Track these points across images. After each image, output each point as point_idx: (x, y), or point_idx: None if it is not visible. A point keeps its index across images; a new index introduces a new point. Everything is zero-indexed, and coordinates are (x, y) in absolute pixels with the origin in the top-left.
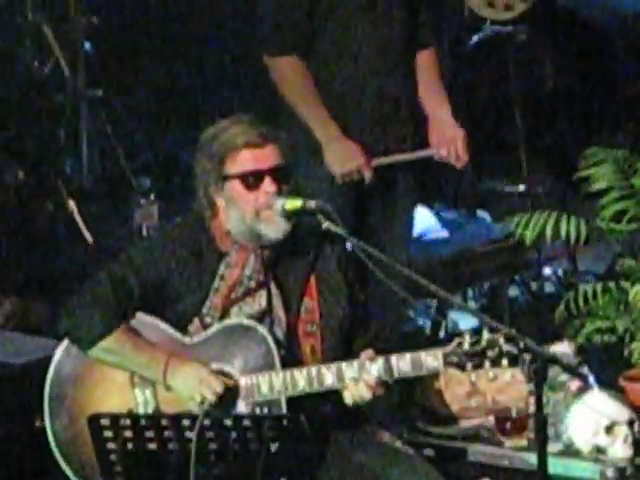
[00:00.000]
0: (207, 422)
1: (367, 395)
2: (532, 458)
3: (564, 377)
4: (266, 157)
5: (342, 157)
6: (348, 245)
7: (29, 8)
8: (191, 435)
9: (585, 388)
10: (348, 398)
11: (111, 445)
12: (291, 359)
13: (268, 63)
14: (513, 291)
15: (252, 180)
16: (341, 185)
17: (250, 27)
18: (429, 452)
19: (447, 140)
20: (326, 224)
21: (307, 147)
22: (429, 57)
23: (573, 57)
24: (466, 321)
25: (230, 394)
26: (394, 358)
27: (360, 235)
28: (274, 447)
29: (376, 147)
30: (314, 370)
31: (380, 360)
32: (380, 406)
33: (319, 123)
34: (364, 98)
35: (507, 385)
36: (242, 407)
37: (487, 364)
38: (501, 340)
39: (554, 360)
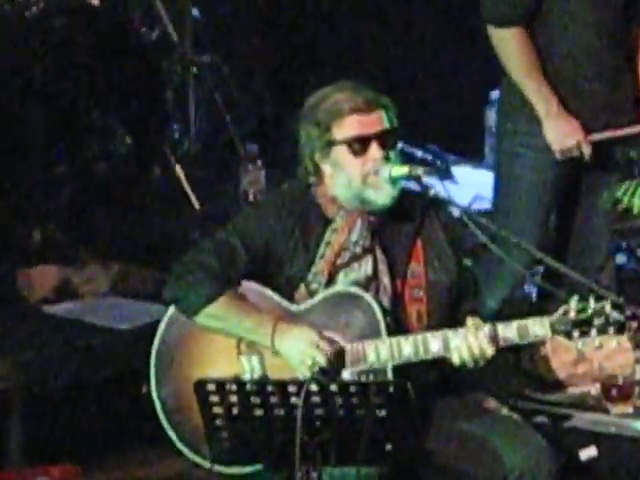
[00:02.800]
0: (313, 388)
1: (473, 361)
2: (639, 425)
3: None
4: (372, 122)
5: (562, 133)
6: (455, 211)
7: None
8: (297, 401)
9: None
10: (456, 359)
11: (217, 410)
12: (397, 325)
13: (491, 33)
14: (620, 258)
15: (359, 146)
16: (556, 158)
17: None
18: (539, 419)
19: None
20: (433, 190)
21: (528, 116)
22: None
23: None
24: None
25: (337, 361)
26: (501, 326)
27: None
28: (380, 414)
29: (595, 123)
30: (420, 337)
31: (486, 328)
32: (487, 373)
33: (541, 97)
34: (583, 74)
35: (614, 353)
36: (347, 375)
37: (594, 332)
38: (607, 307)
39: None
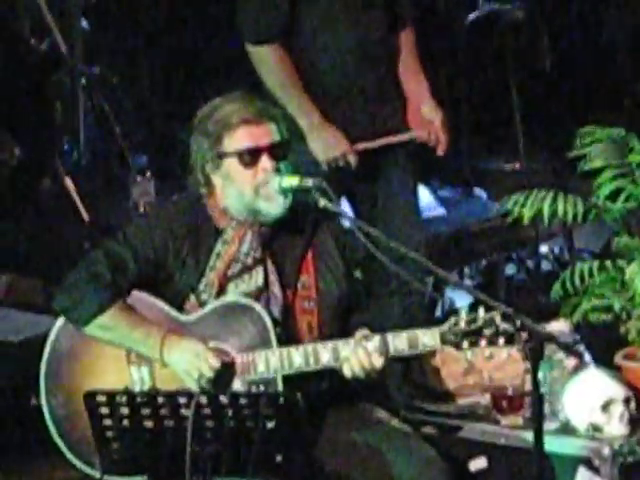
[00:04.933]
0: (203, 400)
1: (363, 373)
2: (529, 436)
3: (560, 355)
4: (263, 134)
5: (326, 145)
6: (346, 223)
7: None
8: (187, 413)
9: (581, 366)
10: (347, 371)
11: (107, 422)
12: (287, 336)
13: (249, 51)
14: (509, 269)
15: (249, 157)
16: (330, 172)
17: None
18: (428, 430)
19: (425, 122)
20: (323, 202)
21: (294, 133)
22: (406, 37)
23: (569, 36)
24: (463, 299)
25: (227, 372)
26: (390, 336)
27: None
28: (270, 425)
29: (362, 131)
30: (310, 348)
31: (376, 338)
32: (376, 384)
33: (302, 111)
34: (346, 89)
35: (504, 363)
36: (238, 385)
37: (483, 342)
38: (498, 318)
39: (550, 338)
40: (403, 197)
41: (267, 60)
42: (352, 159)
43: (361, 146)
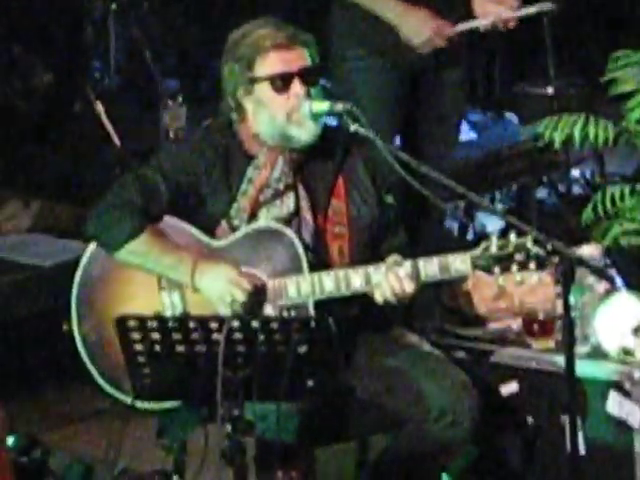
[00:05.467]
0: (235, 324)
1: (395, 297)
2: (560, 360)
3: (591, 279)
4: (294, 59)
5: (417, 28)
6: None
7: None
8: (219, 337)
9: (612, 290)
10: (379, 296)
11: (138, 347)
12: (319, 261)
13: None
14: (541, 193)
15: (281, 82)
16: (390, 72)
17: None
18: (459, 354)
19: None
20: (354, 126)
21: (357, 38)
22: None
23: None
24: (494, 223)
25: (258, 296)
26: (422, 262)
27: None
28: (301, 350)
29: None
30: (342, 273)
31: (407, 264)
32: (408, 308)
33: (385, 6)
34: None
35: (535, 287)
36: (269, 310)
37: (515, 267)
38: (529, 243)
39: (581, 262)
40: (451, 114)
41: None
42: (448, 31)
43: (460, 27)
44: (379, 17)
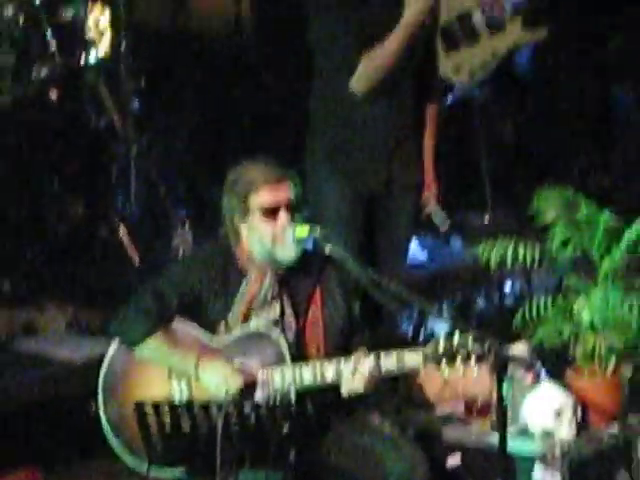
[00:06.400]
0: (231, 409)
1: (361, 387)
2: (494, 438)
3: (521, 372)
4: (281, 193)
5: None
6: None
7: (91, 75)
8: (217, 418)
9: (538, 381)
10: (345, 391)
11: (153, 426)
12: (299, 356)
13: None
14: (480, 302)
15: (270, 213)
16: (352, 195)
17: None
18: (413, 432)
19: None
20: (328, 247)
21: (328, 159)
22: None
23: (529, 119)
24: (441, 326)
25: (248, 387)
26: (383, 355)
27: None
28: (285, 429)
29: (376, 183)
30: (318, 365)
31: (371, 357)
32: (371, 395)
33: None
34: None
35: (475, 378)
36: (259, 396)
37: (458, 361)
38: (469, 342)
39: (513, 358)
40: (404, 239)
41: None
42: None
43: None
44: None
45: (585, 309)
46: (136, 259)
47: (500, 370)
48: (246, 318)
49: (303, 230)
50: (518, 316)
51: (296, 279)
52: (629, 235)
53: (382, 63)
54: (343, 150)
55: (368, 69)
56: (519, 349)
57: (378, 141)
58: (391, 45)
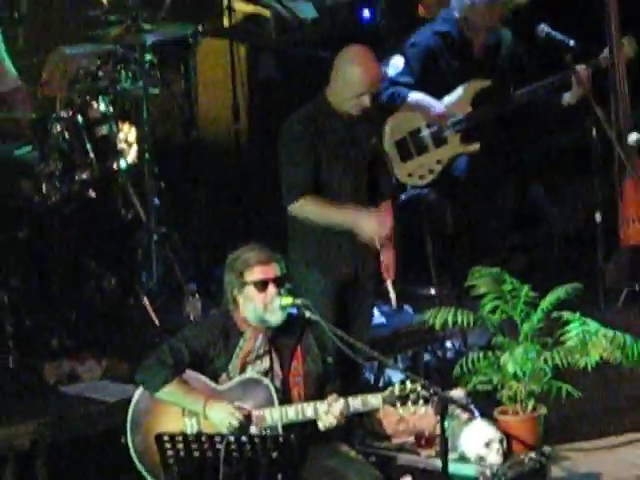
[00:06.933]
0: (231, 439)
1: (333, 423)
2: (438, 463)
3: (458, 411)
4: (270, 270)
5: (371, 225)
6: (323, 327)
7: (121, 178)
8: (220, 447)
9: (472, 418)
10: (321, 425)
11: (170, 453)
12: (285, 399)
13: (293, 210)
14: (427, 357)
15: (261, 286)
16: (325, 290)
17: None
18: (374, 458)
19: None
20: (308, 313)
21: (304, 261)
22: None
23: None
24: (396, 376)
25: (246, 422)
26: (350, 399)
27: (339, 321)
28: (274, 455)
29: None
30: (300, 406)
31: (341, 400)
32: (341, 429)
33: (341, 218)
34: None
35: (423, 416)
36: (254, 430)
37: (410, 403)
38: (419, 388)
39: (452, 400)
40: (367, 310)
41: (304, 209)
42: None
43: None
44: (323, 244)
45: (510, 362)
46: (156, 322)
47: (443, 410)
48: (243, 369)
49: (288, 299)
50: (457, 367)
51: (282, 338)
52: (543, 304)
53: (319, 217)
54: (317, 250)
55: (307, 210)
56: (457, 394)
57: (345, 239)
58: (332, 216)
